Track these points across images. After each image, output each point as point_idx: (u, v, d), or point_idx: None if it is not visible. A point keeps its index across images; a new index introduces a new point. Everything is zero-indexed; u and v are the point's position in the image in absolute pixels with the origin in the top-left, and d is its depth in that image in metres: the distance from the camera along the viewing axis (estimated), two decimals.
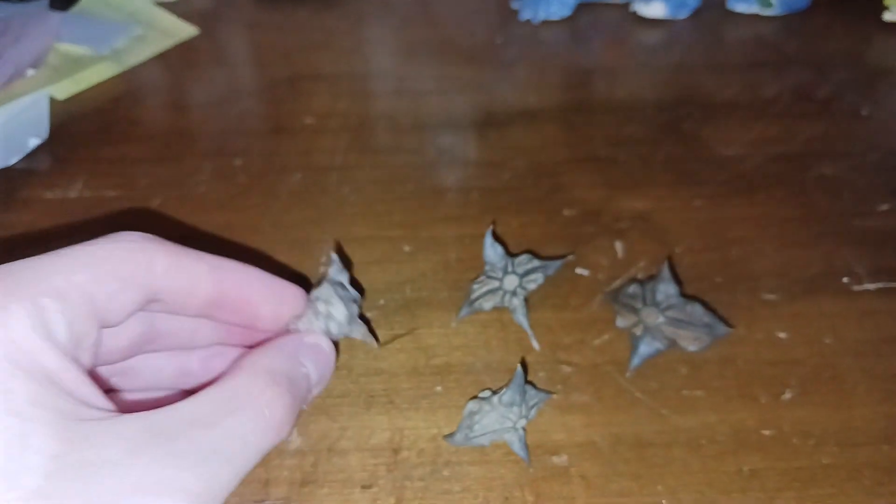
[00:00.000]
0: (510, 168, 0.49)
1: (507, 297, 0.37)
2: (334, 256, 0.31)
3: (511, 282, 0.37)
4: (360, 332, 0.31)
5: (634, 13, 0.67)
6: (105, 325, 0.23)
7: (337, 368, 0.32)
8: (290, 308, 0.29)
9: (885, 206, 0.45)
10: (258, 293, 0.27)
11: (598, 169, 0.49)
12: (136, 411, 0.21)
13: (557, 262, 0.39)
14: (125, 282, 0.23)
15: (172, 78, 0.59)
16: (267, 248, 0.42)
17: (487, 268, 0.38)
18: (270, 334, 0.29)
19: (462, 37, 0.64)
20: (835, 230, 0.44)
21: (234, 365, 0.26)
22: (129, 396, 0.28)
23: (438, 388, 0.35)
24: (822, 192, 0.47)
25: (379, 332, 0.38)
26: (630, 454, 0.33)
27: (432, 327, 0.38)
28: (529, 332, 0.37)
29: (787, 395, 0.35)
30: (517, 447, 0.32)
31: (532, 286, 0.38)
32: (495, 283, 0.37)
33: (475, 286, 0.38)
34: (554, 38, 0.64)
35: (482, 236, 0.41)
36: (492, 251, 0.38)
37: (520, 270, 0.38)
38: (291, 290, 0.29)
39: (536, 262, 0.38)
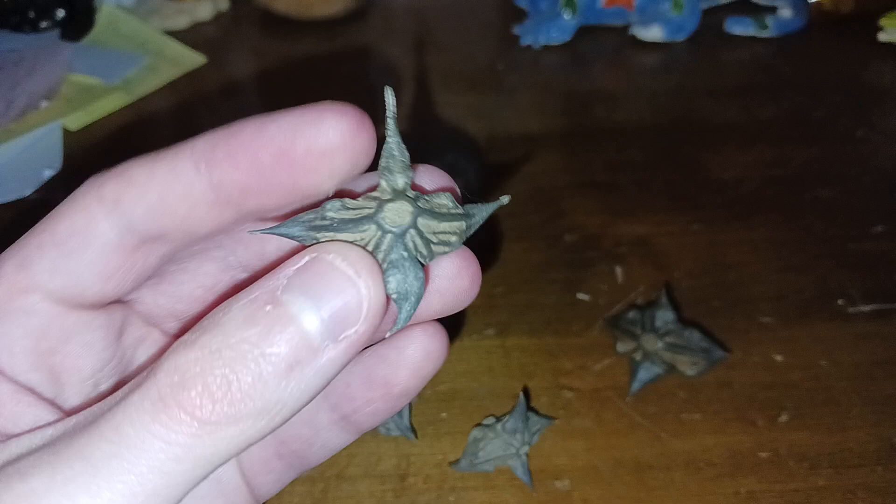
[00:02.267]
0: (511, 193, 0.50)
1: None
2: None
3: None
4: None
5: (633, 37, 0.68)
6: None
7: None
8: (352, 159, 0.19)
9: (879, 229, 0.46)
10: (283, 150, 0.19)
11: (598, 194, 0.50)
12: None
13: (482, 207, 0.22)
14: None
15: (182, 107, 0.60)
16: None
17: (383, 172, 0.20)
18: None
19: (464, 63, 0.65)
20: (830, 253, 0.45)
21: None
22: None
23: (444, 415, 0.36)
24: (818, 215, 0.48)
25: None
26: (630, 477, 0.34)
27: None
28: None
29: (784, 418, 0.36)
30: (520, 472, 0.33)
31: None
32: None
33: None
34: (554, 63, 0.65)
35: (485, 262, 0.43)
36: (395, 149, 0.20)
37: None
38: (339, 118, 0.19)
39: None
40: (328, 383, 0.18)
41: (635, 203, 0.49)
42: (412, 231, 0.20)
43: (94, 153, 0.54)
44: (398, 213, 0.19)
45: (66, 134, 0.56)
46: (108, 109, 0.59)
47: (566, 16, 0.66)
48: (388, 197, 0.20)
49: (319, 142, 0.18)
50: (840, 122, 0.56)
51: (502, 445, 0.33)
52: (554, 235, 0.46)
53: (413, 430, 0.35)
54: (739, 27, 0.69)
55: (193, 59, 0.66)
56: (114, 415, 0.16)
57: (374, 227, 0.19)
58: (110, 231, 0.19)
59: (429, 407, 0.36)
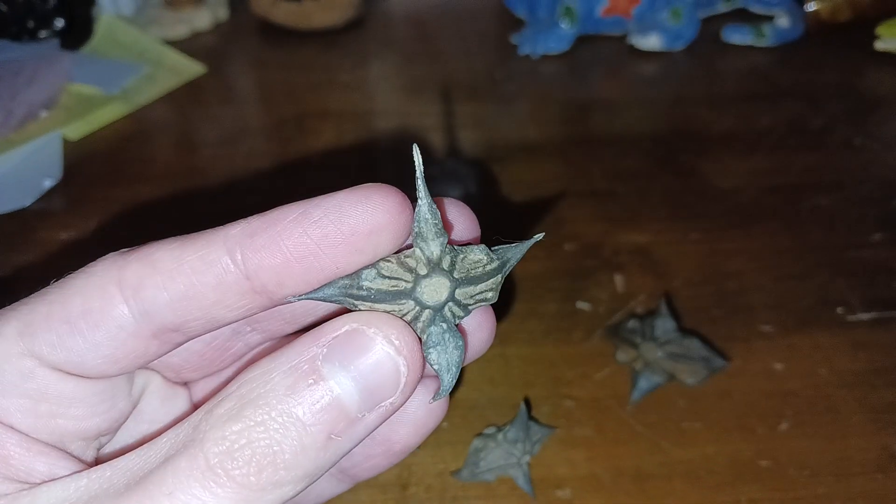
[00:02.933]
0: (511, 202, 0.50)
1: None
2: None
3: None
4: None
5: (631, 46, 0.68)
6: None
7: None
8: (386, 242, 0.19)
9: (877, 237, 0.46)
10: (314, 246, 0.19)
11: (598, 203, 0.50)
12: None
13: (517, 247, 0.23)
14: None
15: (181, 117, 0.60)
16: None
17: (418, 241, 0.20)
18: None
19: (463, 73, 0.65)
20: (829, 261, 0.45)
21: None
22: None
23: (444, 424, 0.36)
24: (816, 224, 0.48)
25: None
26: (631, 486, 0.34)
27: None
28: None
29: (784, 427, 0.36)
30: (522, 482, 0.33)
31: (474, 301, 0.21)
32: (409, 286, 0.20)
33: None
34: (553, 72, 0.66)
35: None
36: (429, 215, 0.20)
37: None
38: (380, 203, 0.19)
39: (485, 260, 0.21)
40: (357, 445, 0.19)
41: (634, 212, 0.49)
42: (450, 303, 0.20)
43: (94, 163, 0.55)
44: (436, 289, 0.20)
45: (66, 143, 0.56)
46: (107, 119, 0.59)
47: (564, 25, 0.66)
48: (424, 272, 0.20)
49: (366, 222, 0.19)
50: (838, 131, 0.57)
51: (503, 455, 0.33)
52: (553, 244, 0.46)
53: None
54: (737, 36, 0.69)
55: (192, 68, 0.66)
56: (163, 480, 0.17)
57: (411, 302, 0.20)
58: (127, 317, 0.19)
59: None
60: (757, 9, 0.72)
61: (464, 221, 0.22)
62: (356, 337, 0.18)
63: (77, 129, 0.57)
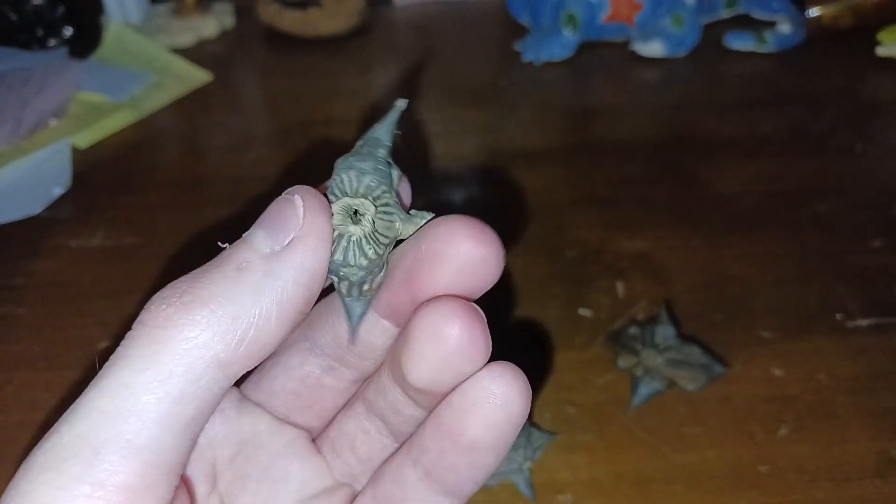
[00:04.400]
0: (513, 208, 0.51)
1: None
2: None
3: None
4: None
5: (634, 52, 0.69)
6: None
7: None
8: None
9: (877, 243, 0.47)
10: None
11: (599, 209, 0.50)
12: None
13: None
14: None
15: (188, 124, 0.61)
16: None
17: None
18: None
19: (467, 79, 0.66)
20: (829, 267, 0.45)
21: None
22: None
23: None
24: (817, 230, 0.48)
25: None
26: (632, 491, 0.34)
27: None
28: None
29: (783, 432, 0.36)
30: (523, 487, 0.33)
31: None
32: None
33: None
34: (555, 78, 0.66)
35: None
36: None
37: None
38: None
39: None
40: (296, 289, 0.19)
41: (636, 218, 0.49)
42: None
43: (103, 170, 0.55)
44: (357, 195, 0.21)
45: (75, 151, 0.57)
46: (115, 127, 0.60)
47: (567, 32, 0.67)
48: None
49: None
50: (839, 136, 0.57)
51: (505, 461, 0.33)
52: (555, 250, 0.47)
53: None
54: (739, 42, 0.69)
55: (199, 76, 0.67)
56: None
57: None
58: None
59: None
60: (759, 15, 0.72)
61: (476, 250, 0.21)
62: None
63: (86, 137, 0.58)
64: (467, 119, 0.60)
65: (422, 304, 0.20)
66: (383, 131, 0.22)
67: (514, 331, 0.42)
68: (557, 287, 0.44)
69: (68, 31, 0.68)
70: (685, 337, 0.40)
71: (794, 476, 0.34)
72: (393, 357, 0.22)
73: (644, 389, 0.37)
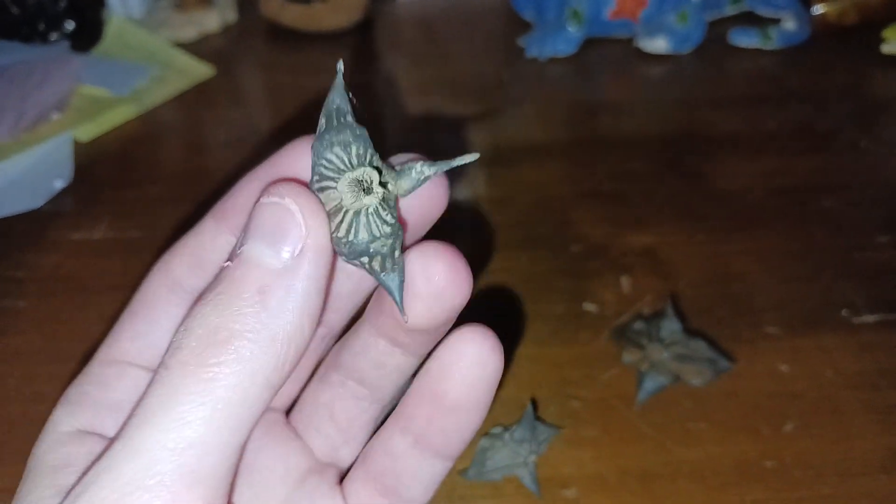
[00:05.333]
0: (518, 204, 0.50)
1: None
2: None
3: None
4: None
5: (638, 49, 0.69)
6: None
7: None
8: None
9: (883, 239, 0.47)
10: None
11: (604, 204, 0.50)
12: None
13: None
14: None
15: (190, 118, 0.61)
16: None
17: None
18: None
19: (470, 75, 0.66)
20: (834, 263, 0.45)
21: None
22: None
23: None
24: (822, 226, 0.48)
25: None
26: (637, 486, 0.34)
27: None
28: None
29: (788, 427, 0.36)
30: (528, 481, 0.33)
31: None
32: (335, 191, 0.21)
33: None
34: (560, 74, 0.66)
35: (492, 272, 0.43)
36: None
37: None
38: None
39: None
40: (317, 297, 0.20)
41: (641, 213, 0.49)
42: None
43: (104, 164, 0.55)
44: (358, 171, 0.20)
45: (77, 145, 0.56)
46: (117, 121, 0.60)
47: (572, 28, 0.67)
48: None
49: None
50: (844, 133, 0.57)
51: (510, 454, 0.33)
52: (560, 245, 0.47)
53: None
54: (744, 39, 0.69)
55: (202, 70, 0.66)
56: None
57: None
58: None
59: None
60: (764, 11, 0.72)
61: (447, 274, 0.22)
62: (251, 213, 0.20)
63: (87, 131, 0.58)
64: (471, 115, 0.60)
65: (406, 249, 0.21)
66: (339, 98, 0.21)
67: (486, 297, 0.42)
68: (562, 282, 0.44)
69: (70, 25, 0.68)
70: (691, 332, 0.39)
71: (799, 472, 0.34)
72: (378, 309, 0.23)
73: (649, 384, 0.37)
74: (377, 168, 0.20)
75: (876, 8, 0.68)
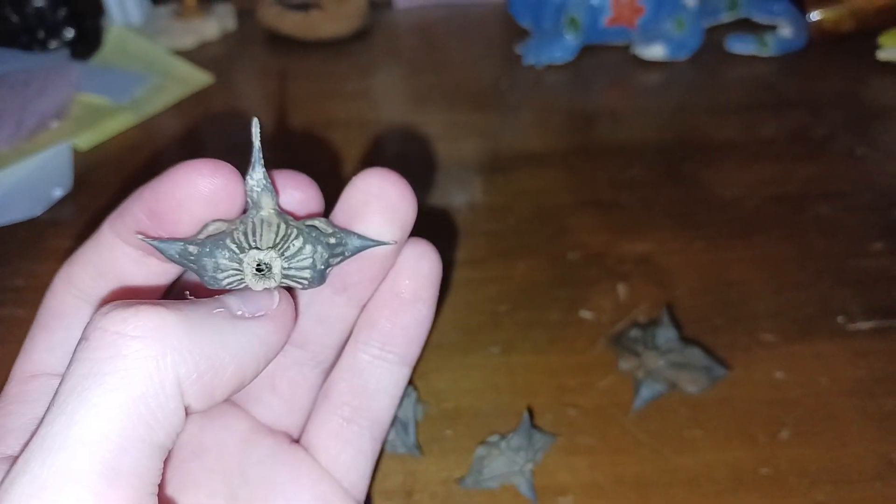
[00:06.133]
0: (515, 212, 0.51)
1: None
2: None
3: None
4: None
5: (635, 56, 0.69)
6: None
7: None
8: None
9: (879, 246, 0.47)
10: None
11: (601, 212, 0.50)
12: None
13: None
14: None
15: (189, 126, 0.61)
16: None
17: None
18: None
19: (468, 82, 0.66)
20: (830, 270, 0.45)
21: None
22: None
23: (449, 432, 0.37)
24: (818, 233, 0.48)
25: None
26: (633, 494, 0.34)
27: (442, 371, 0.40)
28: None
29: (784, 435, 0.36)
30: (525, 489, 0.33)
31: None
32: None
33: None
34: (557, 82, 0.66)
35: (490, 280, 0.43)
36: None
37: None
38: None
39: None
40: (260, 355, 0.21)
41: (638, 221, 0.49)
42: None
43: (104, 172, 0.55)
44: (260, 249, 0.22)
45: (76, 153, 0.57)
46: (116, 129, 0.60)
47: (569, 35, 0.67)
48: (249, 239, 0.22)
49: (173, 197, 0.22)
50: (840, 140, 0.57)
51: (507, 463, 0.33)
52: (557, 253, 0.47)
53: (419, 448, 0.35)
54: (740, 45, 0.69)
55: (201, 78, 0.67)
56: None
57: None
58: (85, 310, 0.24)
59: (434, 424, 0.37)
60: (760, 18, 0.72)
61: (304, 191, 0.26)
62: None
63: (87, 139, 0.58)
64: (468, 122, 0.60)
65: (347, 186, 0.25)
66: (260, 172, 0.24)
67: (502, 304, 0.42)
68: (559, 290, 0.44)
69: (69, 33, 0.68)
70: (687, 339, 0.40)
71: (795, 479, 0.34)
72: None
73: (646, 392, 0.37)
74: (282, 254, 0.22)
75: (872, 15, 0.69)
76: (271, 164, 0.53)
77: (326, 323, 0.27)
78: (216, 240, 0.22)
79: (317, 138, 0.58)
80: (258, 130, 0.23)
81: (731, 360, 0.39)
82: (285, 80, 0.68)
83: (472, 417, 0.37)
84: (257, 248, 0.22)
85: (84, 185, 0.54)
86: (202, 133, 0.60)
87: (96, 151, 0.58)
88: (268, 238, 0.22)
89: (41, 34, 0.68)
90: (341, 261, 0.23)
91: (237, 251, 0.22)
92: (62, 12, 0.67)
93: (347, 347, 0.27)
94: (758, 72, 0.67)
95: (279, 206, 0.23)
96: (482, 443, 0.35)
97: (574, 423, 0.37)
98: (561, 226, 0.49)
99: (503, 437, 0.35)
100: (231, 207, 0.23)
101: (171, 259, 0.22)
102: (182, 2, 0.74)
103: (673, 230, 0.49)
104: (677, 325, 0.40)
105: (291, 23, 0.72)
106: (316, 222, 0.23)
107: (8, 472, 0.17)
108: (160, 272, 0.24)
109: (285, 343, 0.22)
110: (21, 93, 0.60)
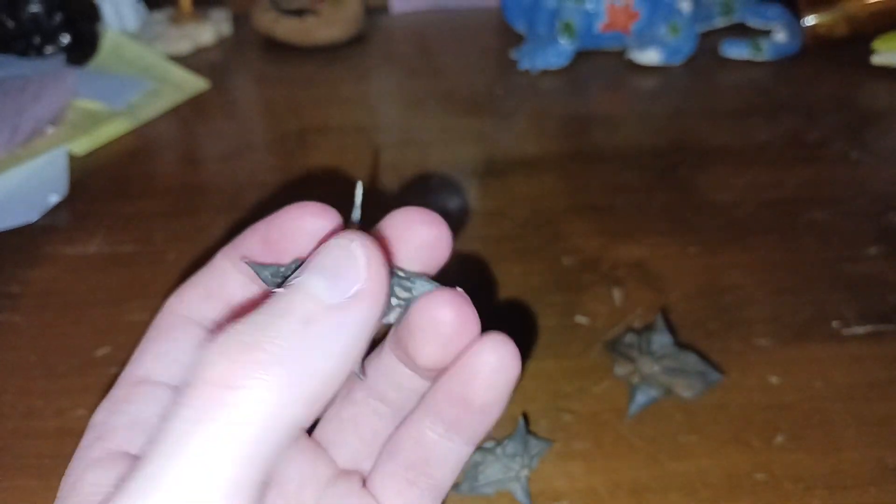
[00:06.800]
0: (510, 217, 0.51)
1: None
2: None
3: None
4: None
5: (630, 61, 0.69)
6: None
7: None
8: None
9: (873, 251, 0.47)
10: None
11: (596, 217, 0.50)
12: None
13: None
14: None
15: (185, 132, 0.61)
16: None
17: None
18: None
19: (463, 88, 0.66)
20: (825, 275, 0.46)
21: None
22: None
23: None
24: (813, 238, 0.48)
25: None
26: (628, 499, 0.34)
27: None
28: None
29: (779, 440, 0.36)
30: (520, 496, 0.33)
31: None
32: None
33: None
34: (552, 87, 0.66)
35: (486, 285, 0.43)
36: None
37: None
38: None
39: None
40: (362, 343, 0.20)
41: (633, 226, 0.50)
42: None
43: (100, 178, 0.55)
44: None
45: (72, 159, 0.57)
46: (112, 134, 0.60)
47: (563, 40, 0.67)
48: None
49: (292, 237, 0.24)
50: (834, 145, 0.57)
51: (502, 469, 0.33)
52: (552, 258, 0.47)
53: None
54: (735, 50, 0.70)
55: (196, 83, 0.67)
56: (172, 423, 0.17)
57: None
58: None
59: None
60: (755, 23, 0.73)
61: (430, 231, 0.25)
62: (316, 252, 0.21)
63: (83, 145, 0.58)
64: (463, 127, 0.61)
65: (418, 298, 0.23)
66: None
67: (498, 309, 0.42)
68: (554, 295, 0.44)
69: (65, 39, 0.68)
70: (682, 345, 0.40)
71: (790, 484, 0.34)
72: (397, 342, 0.24)
73: (641, 397, 0.37)
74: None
75: (866, 19, 0.69)
76: (268, 171, 0.53)
77: (403, 391, 0.27)
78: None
79: (312, 143, 0.58)
80: (361, 192, 0.25)
81: (725, 365, 0.40)
82: (281, 86, 0.68)
83: None
84: None
85: (80, 191, 0.54)
86: (198, 138, 0.60)
87: (92, 157, 0.58)
88: None
89: (37, 40, 0.68)
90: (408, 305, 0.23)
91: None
92: (58, 18, 0.67)
93: (415, 415, 0.26)
94: (752, 76, 0.67)
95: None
96: (477, 449, 0.35)
97: (569, 428, 0.37)
98: (556, 231, 0.49)
99: (498, 442, 0.35)
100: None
101: (265, 281, 0.23)
102: (178, 7, 0.74)
103: (667, 235, 0.49)
104: (672, 330, 0.40)
105: (287, 28, 0.72)
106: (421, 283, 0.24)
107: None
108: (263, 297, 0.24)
109: (381, 317, 0.21)
110: (17, 98, 0.60)
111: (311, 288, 0.19)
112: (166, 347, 0.25)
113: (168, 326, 0.25)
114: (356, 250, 0.20)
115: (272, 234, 0.24)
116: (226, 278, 0.25)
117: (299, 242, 0.24)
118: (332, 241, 0.20)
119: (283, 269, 0.23)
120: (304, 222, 0.24)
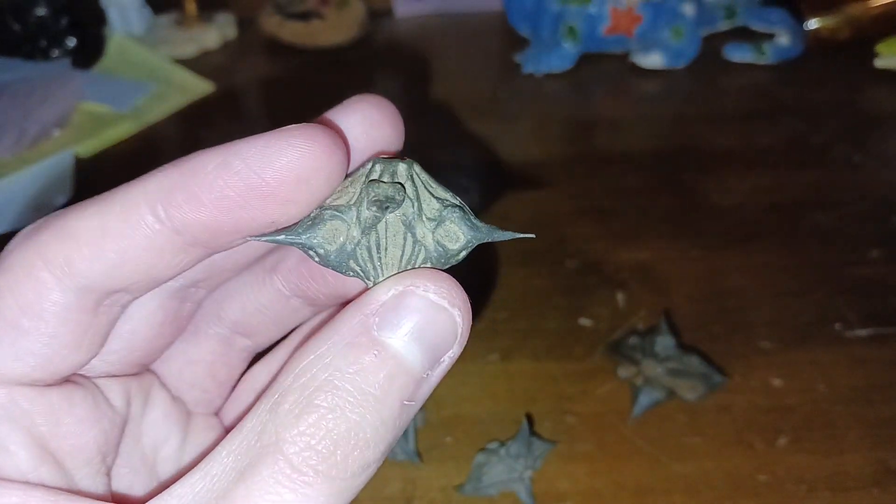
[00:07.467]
0: (514, 219, 0.51)
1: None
2: None
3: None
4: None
5: (634, 64, 0.69)
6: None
7: None
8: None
9: (875, 254, 0.47)
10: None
11: (600, 220, 0.51)
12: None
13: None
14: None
15: (190, 134, 0.61)
16: None
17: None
18: None
19: (467, 91, 0.66)
20: (827, 278, 0.46)
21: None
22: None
23: (448, 440, 0.37)
24: (815, 241, 0.48)
25: None
26: (632, 501, 0.34)
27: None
28: None
29: (782, 442, 0.36)
30: (524, 496, 0.33)
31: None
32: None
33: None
34: (556, 90, 0.66)
35: (489, 289, 0.44)
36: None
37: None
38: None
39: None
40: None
41: (636, 229, 0.50)
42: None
43: (105, 180, 0.55)
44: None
45: (78, 161, 0.57)
46: (118, 137, 0.60)
47: (567, 44, 0.67)
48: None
49: (292, 170, 0.18)
50: (837, 148, 0.57)
51: (506, 470, 0.34)
52: (556, 261, 0.47)
53: (418, 455, 0.35)
54: (738, 54, 0.70)
55: (201, 86, 0.67)
56: (249, 495, 0.16)
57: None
58: (65, 297, 0.18)
59: (434, 431, 0.37)
60: (758, 27, 0.73)
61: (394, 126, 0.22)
62: (406, 298, 0.18)
63: (88, 147, 0.58)
64: (467, 130, 0.61)
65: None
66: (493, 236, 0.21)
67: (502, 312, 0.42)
68: (558, 298, 0.45)
69: (72, 42, 0.68)
70: (685, 347, 0.40)
71: (792, 486, 0.35)
72: (293, 269, 0.23)
73: (644, 399, 0.37)
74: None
75: (869, 23, 0.69)
76: None
77: (280, 324, 0.24)
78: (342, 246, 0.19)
79: None
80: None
81: (728, 368, 0.40)
82: (285, 89, 0.68)
83: (471, 425, 0.37)
84: (381, 268, 0.19)
85: (86, 193, 0.53)
86: (203, 140, 0.60)
87: (98, 159, 0.58)
88: (393, 255, 0.19)
89: (43, 43, 0.68)
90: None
91: (362, 275, 0.19)
92: (64, 22, 0.68)
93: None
94: (755, 80, 0.68)
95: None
96: (481, 450, 0.35)
97: (573, 430, 0.37)
98: (559, 234, 0.49)
99: (502, 444, 0.35)
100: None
101: (288, 243, 0.19)
102: (183, 11, 0.74)
103: (671, 238, 0.49)
104: (675, 332, 0.41)
105: (292, 31, 0.72)
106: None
107: None
108: (201, 257, 0.20)
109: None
110: (23, 102, 0.61)
111: (408, 359, 0.17)
112: None
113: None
114: (457, 317, 0.18)
115: (229, 192, 0.18)
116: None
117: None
118: (432, 298, 0.18)
119: (308, 218, 0.19)
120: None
